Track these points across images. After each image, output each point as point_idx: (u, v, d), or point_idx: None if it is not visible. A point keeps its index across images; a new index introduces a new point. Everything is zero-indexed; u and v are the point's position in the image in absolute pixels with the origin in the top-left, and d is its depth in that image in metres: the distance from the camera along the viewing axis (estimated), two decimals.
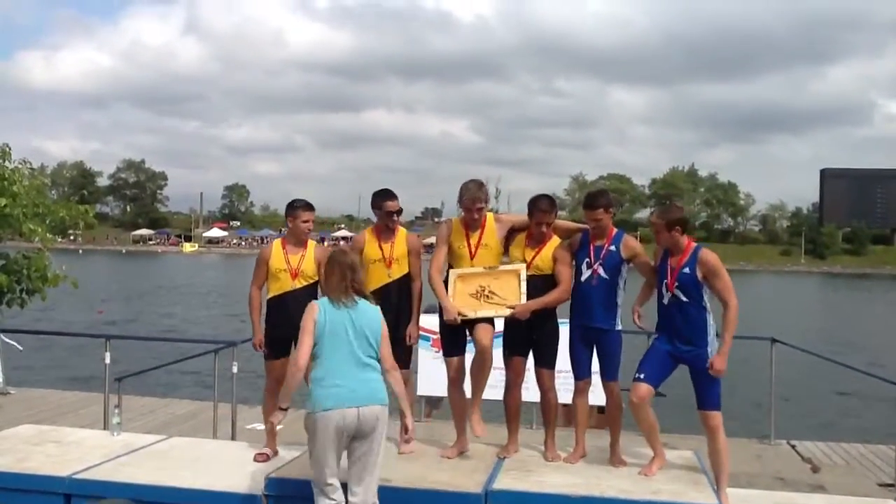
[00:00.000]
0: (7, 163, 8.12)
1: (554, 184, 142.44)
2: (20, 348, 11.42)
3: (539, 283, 5.21)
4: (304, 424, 4.34)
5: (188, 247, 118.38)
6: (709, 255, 4.89)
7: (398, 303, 5.43)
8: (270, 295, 5.50)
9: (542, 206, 5.20)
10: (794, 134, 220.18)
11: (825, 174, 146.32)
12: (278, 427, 5.01)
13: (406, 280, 5.49)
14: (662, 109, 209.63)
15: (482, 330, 5.23)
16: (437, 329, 5.59)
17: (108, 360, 7.69)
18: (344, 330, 4.35)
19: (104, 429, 6.78)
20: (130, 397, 9.01)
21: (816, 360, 10.12)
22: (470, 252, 5.33)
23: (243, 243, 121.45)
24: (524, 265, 5.24)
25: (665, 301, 4.96)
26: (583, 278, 5.19)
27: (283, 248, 5.51)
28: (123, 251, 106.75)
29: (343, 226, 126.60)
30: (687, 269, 4.86)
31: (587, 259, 5.19)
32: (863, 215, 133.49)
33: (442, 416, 8.92)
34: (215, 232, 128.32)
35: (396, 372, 4.58)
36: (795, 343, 9.67)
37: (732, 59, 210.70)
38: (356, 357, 4.34)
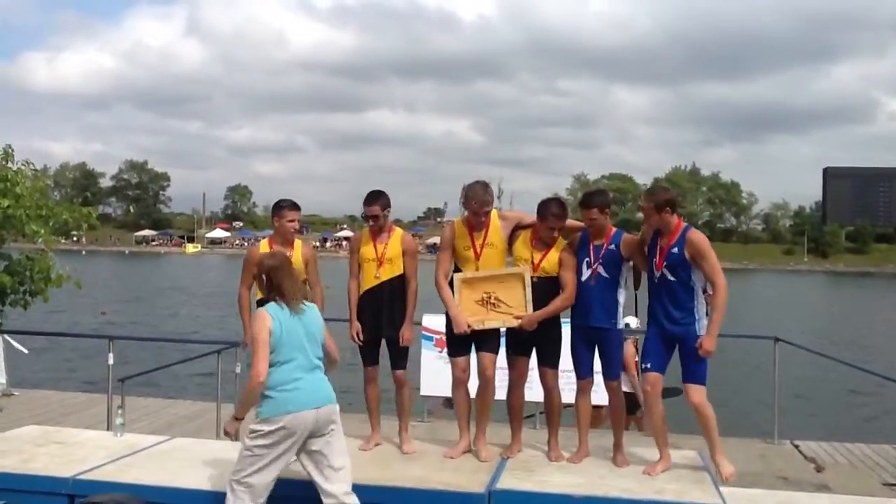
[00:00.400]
0: (10, 164, 8.15)
1: (556, 183, 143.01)
2: (25, 351, 11.42)
3: (545, 286, 5.21)
4: (250, 427, 4.30)
5: (191, 247, 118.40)
6: (696, 235, 4.95)
7: (390, 303, 5.44)
8: (259, 295, 5.51)
9: (553, 210, 5.19)
10: (796, 133, 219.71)
11: (828, 173, 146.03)
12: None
13: (399, 281, 5.48)
14: (665, 109, 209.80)
15: (486, 359, 5.23)
16: (440, 329, 5.60)
17: (111, 361, 7.72)
18: (298, 336, 4.37)
19: (108, 430, 6.79)
20: (134, 398, 9.02)
21: (820, 359, 10.11)
22: (475, 252, 5.30)
23: (246, 244, 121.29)
24: (528, 268, 5.22)
25: (655, 280, 5.04)
26: (583, 278, 5.19)
27: (271, 247, 5.54)
28: (126, 252, 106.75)
29: (345, 226, 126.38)
30: (675, 249, 4.94)
31: (587, 258, 5.19)
32: (866, 214, 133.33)
33: (443, 415, 8.91)
34: (218, 233, 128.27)
35: (333, 345, 4.63)
36: (799, 342, 9.66)
37: (735, 58, 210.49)
38: (309, 360, 4.39)
